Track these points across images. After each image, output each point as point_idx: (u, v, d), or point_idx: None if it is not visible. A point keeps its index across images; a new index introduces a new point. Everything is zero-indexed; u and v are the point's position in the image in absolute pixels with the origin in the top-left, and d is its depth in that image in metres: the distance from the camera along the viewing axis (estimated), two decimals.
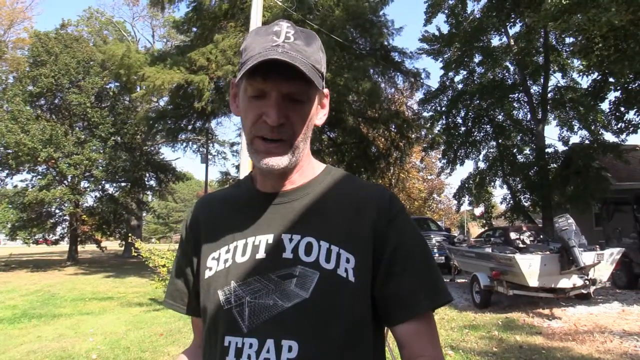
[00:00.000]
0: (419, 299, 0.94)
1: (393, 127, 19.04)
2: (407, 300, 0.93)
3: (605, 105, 17.38)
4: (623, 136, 16.51)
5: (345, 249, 0.94)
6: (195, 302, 1.06)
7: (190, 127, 20.95)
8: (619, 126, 16.43)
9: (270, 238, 0.97)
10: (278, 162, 0.94)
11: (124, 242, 26.21)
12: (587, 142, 18.21)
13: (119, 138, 23.38)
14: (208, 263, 1.01)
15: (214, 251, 1.02)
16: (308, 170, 1.05)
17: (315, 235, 0.95)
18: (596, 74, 15.08)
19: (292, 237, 0.96)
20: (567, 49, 18.04)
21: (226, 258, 0.99)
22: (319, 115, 1.03)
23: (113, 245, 31.25)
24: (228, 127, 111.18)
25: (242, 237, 1.00)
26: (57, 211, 23.39)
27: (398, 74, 18.81)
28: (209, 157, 27.84)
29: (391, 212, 0.98)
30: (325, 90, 1.02)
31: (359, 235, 0.95)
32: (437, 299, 0.96)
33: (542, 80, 18.79)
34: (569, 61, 18.82)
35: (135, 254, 9.72)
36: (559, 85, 19.54)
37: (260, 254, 0.96)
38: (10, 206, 20.82)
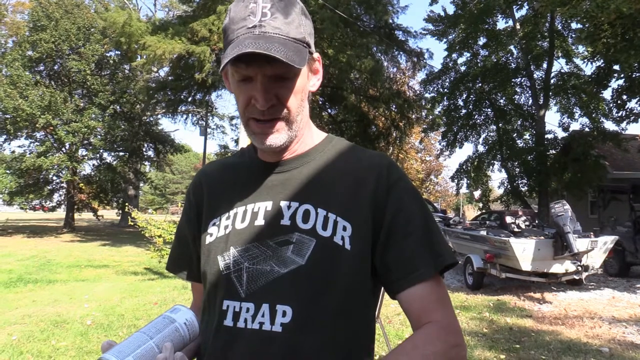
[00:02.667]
0: (421, 263, 0.92)
1: (394, 106, 18.93)
2: (408, 266, 0.92)
3: (607, 94, 17.35)
4: (623, 125, 16.49)
5: (343, 217, 0.94)
6: (197, 268, 1.07)
7: (190, 99, 20.79)
8: (620, 115, 16.39)
9: (269, 205, 0.98)
10: (276, 140, 0.95)
11: (120, 211, 26.25)
12: (587, 129, 18.20)
13: (118, 107, 23.23)
14: (209, 229, 1.03)
15: (215, 218, 1.03)
16: (308, 138, 1.05)
17: (313, 203, 0.96)
18: (601, 61, 14.98)
19: (291, 204, 0.97)
20: (573, 35, 17.87)
21: (226, 224, 1.00)
22: (312, 82, 1.02)
23: (110, 214, 31.35)
24: (228, 100, 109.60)
25: (242, 204, 1.01)
26: (54, 178, 23.37)
27: (401, 53, 18.64)
28: (208, 130, 27.75)
29: (390, 180, 0.98)
30: (316, 55, 1.00)
31: (357, 203, 0.95)
32: (440, 261, 0.94)
33: (545, 65, 18.68)
34: (574, 47, 18.67)
35: (132, 224, 9.75)
36: (562, 71, 19.45)
37: (259, 221, 0.97)
38: (7, 172, 20.77)
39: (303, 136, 1.04)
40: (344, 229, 0.93)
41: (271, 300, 0.89)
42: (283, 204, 0.97)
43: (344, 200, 0.96)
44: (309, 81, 1.00)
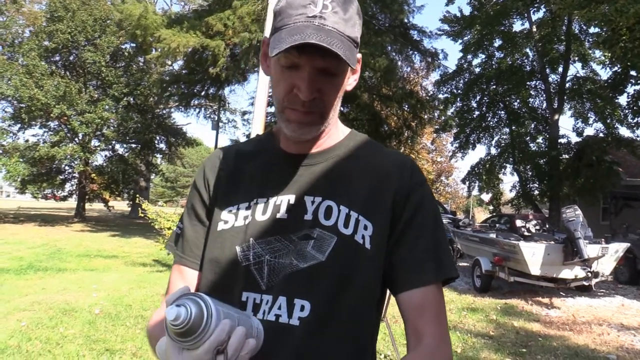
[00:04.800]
0: (424, 269, 0.93)
1: (406, 106, 18.89)
2: (412, 270, 0.93)
3: (623, 99, 17.16)
4: (639, 131, 16.31)
5: (365, 216, 0.94)
6: (197, 250, 1.04)
7: (203, 93, 20.88)
8: (635, 121, 16.23)
9: (292, 198, 0.97)
10: (308, 133, 0.94)
11: (131, 203, 26.41)
12: (601, 135, 18.02)
13: (131, 99, 23.37)
14: (223, 216, 1.00)
15: (232, 205, 1.01)
16: (334, 133, 1.04)
17: (336, 199, 0.95)
18: (617, 66, 14.83)
19: (314, 199, 0.96)
20: (590, 39, 17.69)
21: (246, 215, 0.98)
22: (350, 81, 1.01)
23: (120, 205, 31.55)
24: (241, 96, 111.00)
25: (264, 195, 0.99)
26: (66, 168, 23.58)
27: (415, 52, 18.58)
28: (220, 124, 27.81)
29: (411, 183, 0.97)
30: (358, 55, 0.98)
31: (379, 203, 0.95)
32: (441, 272, 0.94)
33: (561, 69, 18.50)
34: (591, 51, 18.48)
35: (142, 215, 9.80)
36: (577, 75, 19.25)
37: (282, 214, 0.96)
38: (21, 160, 20.97)
39: (330, 131, 1.03)
40: (365, 228, 0.93)
41: (289, 294, 0.89)
42: (307, 198, 0.96)
43: (366, 200, 0.95)
44: (347, 80, 0.99)
